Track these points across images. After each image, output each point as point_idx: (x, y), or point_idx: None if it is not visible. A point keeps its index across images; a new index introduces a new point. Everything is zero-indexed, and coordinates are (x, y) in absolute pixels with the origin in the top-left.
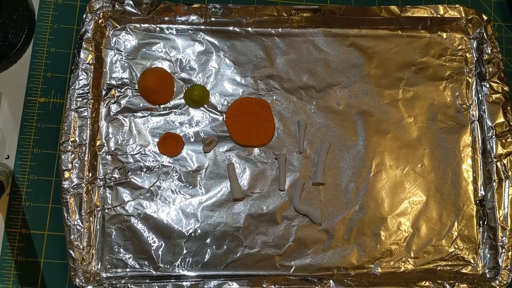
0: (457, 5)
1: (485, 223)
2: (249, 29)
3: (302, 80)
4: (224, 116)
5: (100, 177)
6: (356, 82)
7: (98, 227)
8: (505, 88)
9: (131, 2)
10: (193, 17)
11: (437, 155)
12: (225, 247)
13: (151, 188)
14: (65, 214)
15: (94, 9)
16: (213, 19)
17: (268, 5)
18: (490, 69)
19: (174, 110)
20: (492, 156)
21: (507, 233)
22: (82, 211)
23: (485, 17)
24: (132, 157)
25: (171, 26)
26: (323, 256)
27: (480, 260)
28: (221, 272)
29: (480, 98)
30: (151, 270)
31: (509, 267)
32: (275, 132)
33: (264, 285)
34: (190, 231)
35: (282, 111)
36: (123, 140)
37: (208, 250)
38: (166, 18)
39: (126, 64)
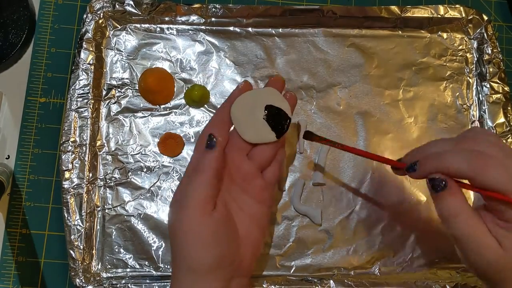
0: (457, 5)
1: None
2: (249, 29)
3: (302, 80)
4: None
5: (101, 177)
6: (356, 82)
7: (98, 227)
8: (506, 88)
9: (131, 3)
10: (193, 17)
11: None
12: None
13: (151, 188)
14: (66, 214)
15: (94, 9)
16: (213, 19)
17: (268, 5)
18: (491, 69)
19: (174, 110)
20: None
21: None
22: (83, 211)
23: (485, 17)
24: (132, 157)
25: (171, 26)
26: (324, 256)
27: None
28: None
29: (481, 98)
30: (152, 270)
31: None
32: None
33: (264, 285)
34: None
35: None
36: (124, 140)
37: None
38: (166, 18)
39: (127, 64)
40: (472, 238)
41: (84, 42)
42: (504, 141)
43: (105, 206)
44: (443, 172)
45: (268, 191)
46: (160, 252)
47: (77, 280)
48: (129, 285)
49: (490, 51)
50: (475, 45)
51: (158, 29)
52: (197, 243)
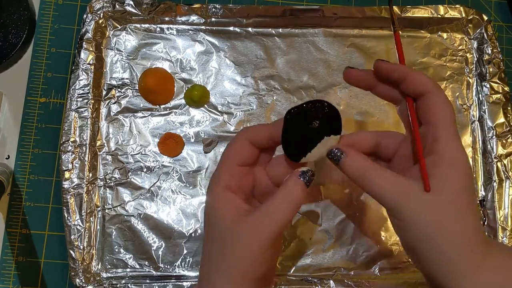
0: (457, 6)
1: (486, 223)
2: (250, 29)
3: (302, 80)
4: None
5: (101, 177)
6: None
7: (98, 227)
8: (506, 89)
9: (131, 3)
10: (193, 17)
11: None
12: None
13: (151, 188)
14: (66, 214)
15: (94, 9)
16: (213, 19)
17: (268, 5)
18: (491, 70)
19: (174, 110)
20: (493, 157)
21: (508, 234)
22: (83, 211)
23: (485, 18)
24: (132, 157)
25: (171, 26)
26: (323, 257)
27: None
28: None
29: (481, 99)
30: (152, 270)
31: None
32: None
33: None
34: (191, 231)
35: (282, 112)
36: (124, 140)
37: None
38: (166, 19)
39: (127, 64)
40: (388, 189)
41: (84, 42)
42: (504, 141)
43: (105, 206)
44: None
45: None
46: (160, 252)
47: (77, 280)
48: (129, 285)
49: (490, 51)
50: (475, 45)
51: (158, 29)
52: (271, 256)
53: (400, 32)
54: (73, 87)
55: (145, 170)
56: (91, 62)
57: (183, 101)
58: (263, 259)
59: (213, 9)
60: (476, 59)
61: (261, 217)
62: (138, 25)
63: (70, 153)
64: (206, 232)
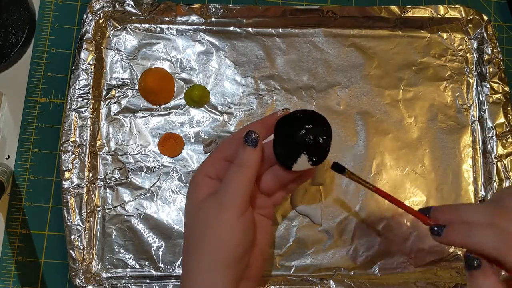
0: (457, 5)
1: None
2: (250, 29)
3: (302, 80)
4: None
5: (101, 177)
6: (356, 83)
7: (98, 227)
8: (506, 89)
9: (131, 3)
10: (193, 18)
11: (437, 155)
12: None
13: (151, 188)
14: (66, 214)
15: (94, 9)
16: (213, 19)
17: (268, 5)
18: (491, 70)
19: (174, 110)
20: (493, 157)
21: None
22: (83, 211)
23: (485, 18)
24: (132, 157)
25: (171, 26)
26: (323, 257)
27: None
28: None
29: (481, 99)
30: (152, 270)
31: None
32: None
33: (264, 285)
34: None
35: None
36: (124, 140)
37: None
38: (166, 19)
39: (127, 64)
40: None
41: (84, 42)
42: (504, 141)
43: (105, 206)
44: (469, 249)
45: (274, 209)
46: (160, 252)
47: (77, 280)
48: (129, 285)
49: (490, 51)
50: (475, 45)
51: (158, 29)
52: (232, 239)
53: (375, 189)
54: (73, 87)
55: (145, 170)
56: (91, 62)
57: (183, 101)
58: (232, 231)
59: (213, 9)
60: (476, 59)
61: (222, 190)
62: (138, 25)
63: (70, 153)
64: (184, 220)
